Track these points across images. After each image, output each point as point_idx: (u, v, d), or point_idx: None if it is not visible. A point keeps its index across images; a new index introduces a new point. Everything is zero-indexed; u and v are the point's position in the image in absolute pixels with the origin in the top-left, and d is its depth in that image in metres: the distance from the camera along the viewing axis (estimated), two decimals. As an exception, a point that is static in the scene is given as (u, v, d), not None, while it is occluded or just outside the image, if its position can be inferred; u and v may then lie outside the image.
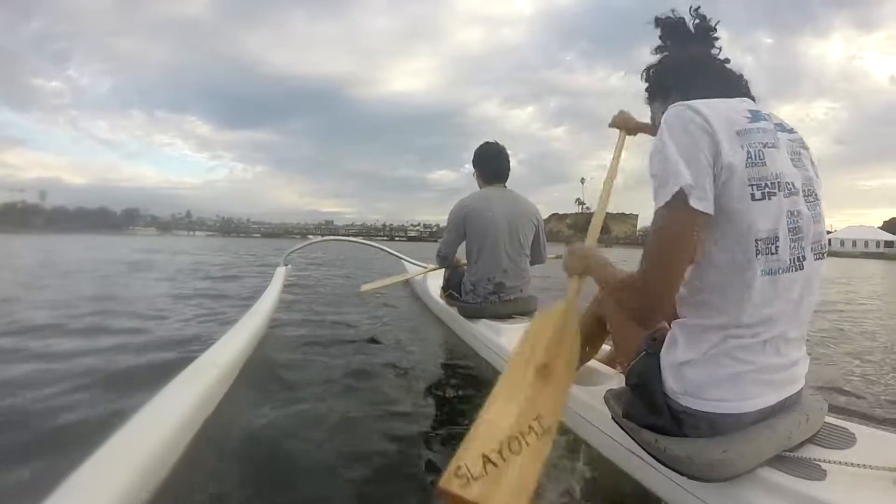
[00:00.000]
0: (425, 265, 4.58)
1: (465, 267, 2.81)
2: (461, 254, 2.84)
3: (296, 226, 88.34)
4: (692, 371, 0.95)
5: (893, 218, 68.83)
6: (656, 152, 0.87)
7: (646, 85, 1.16)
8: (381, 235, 76.70)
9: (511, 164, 2.77)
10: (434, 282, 3.84)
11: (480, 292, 2.58)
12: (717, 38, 1.10)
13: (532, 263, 2.74)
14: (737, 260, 0.87)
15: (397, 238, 72.43)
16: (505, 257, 2.55)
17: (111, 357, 2.29)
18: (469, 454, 0.92)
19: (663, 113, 0.92)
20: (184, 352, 2.34)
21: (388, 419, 1.63)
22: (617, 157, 1.85)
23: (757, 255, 0.86)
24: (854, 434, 1.07)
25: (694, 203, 0.82)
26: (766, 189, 0.85)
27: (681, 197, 0.83)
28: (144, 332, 2.88)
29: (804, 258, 0.90)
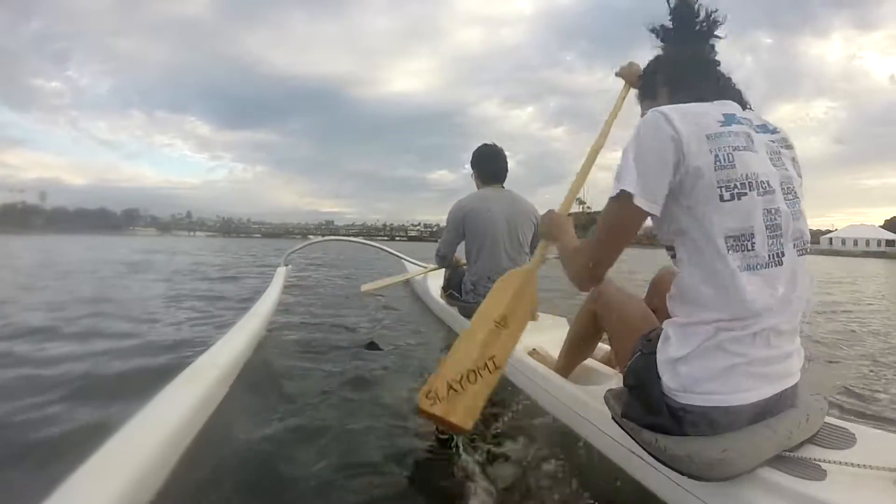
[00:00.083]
0: (426, 265, 4.58)
1: (465, 267, 2.81)
2: (461, 254, 2.85)
3: (296, 226, 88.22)
4: (686, 367, 0.96)
5: (894, 217, 68.88)
6: (623, 152, 0.96)
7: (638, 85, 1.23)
8: (381, 235, 76.69)
9: (511, 164, 2.79)
10: (434, 282, 3.84)
11: (481, 291, 2.58)
12: (714, 36, 1.12)
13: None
14: (711, 257, 0.93)
15: (398, 238, 72.41)
16: (504, 256, 2.56)
17: (102, 362, 2.26)
18: (438, 382, 1.34)
19: (642, 113, 1.01)
20: (177, 357, 2.29)
21: (387, 424, 1.63)
22: (615, 111, 1.84)
23: (729, 251, 0.91)
24: (854, 434, 1.07)
25: (637, 202, 0.93)
26: (736, 190, 0.90)
27: (625, 196, 0.94)
28: (138, 335, 2.82)
29: (783, 254, 0.94)
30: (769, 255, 0.92)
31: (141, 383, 1.82)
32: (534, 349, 2.04)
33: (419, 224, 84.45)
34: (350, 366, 2.22)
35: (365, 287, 4.01)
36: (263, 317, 2.64)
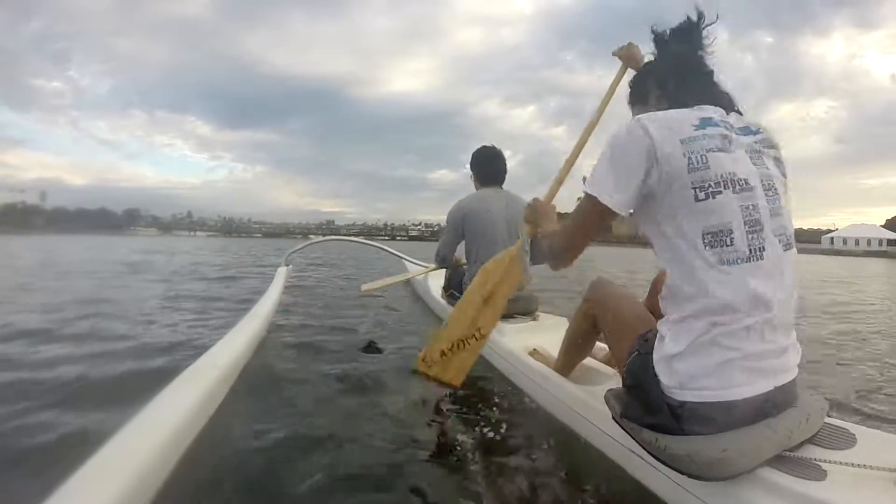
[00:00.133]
0: (426, 265, 4.58)
1: (465, 267, 2.82)
2: (461, 254, 2.85)
3: (297, 225, 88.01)
4: (682, 363, 0.98)
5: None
6: (601, 153, 1.05)
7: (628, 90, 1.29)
8: (382, 235, 76.56)
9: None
10: (435, 282, 3.84)
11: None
12: (706, 41, 1.16)
13: (533, 263, 2.75)
14: (689, 255, 0.97)
15: (399, 237, 72.32)
16: (503, 249, 2.56)
17: (96, 365, 2.22)
18: (432, 349, 1.80)
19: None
20: (171, 360, 2.30)
21: (387, 427, 1.63)
22: (611, 92, 1.86)
23: (706, 247, 0.95)
24: (854, 434, 1.07)
25: (605, 201, 1.01)
26: (710, 189, 0.94)
27: (594, 195, 1.03)
28: (133, 338, 2.77)
29: (765, 248, 0.96)
30: (750, 250, 0.95)
31: (134, 387, 1.81)
32: (534, 349, 2.04)
33: (420, 224, 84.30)
34: (350, 367, 2.21)
35: (365, 286, 4.01)
36: (264, 317, 2.64)
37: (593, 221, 1.11)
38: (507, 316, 2.51)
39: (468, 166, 2.88)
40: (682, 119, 1.01)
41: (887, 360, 2.83)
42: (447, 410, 1.80)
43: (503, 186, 2.82)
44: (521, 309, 2.58)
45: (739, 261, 0.95)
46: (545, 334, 2.13)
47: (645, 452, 1.08)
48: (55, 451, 1.39)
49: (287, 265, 4.17)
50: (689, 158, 0.96)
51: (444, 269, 3.15)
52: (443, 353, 1.80)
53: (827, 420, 1.11)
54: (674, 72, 1.15)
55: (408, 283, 5.03)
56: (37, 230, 60.04)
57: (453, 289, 3.02)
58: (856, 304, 5.96)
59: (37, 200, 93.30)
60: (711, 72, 1.16)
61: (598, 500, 1.22)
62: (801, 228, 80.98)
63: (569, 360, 1.70)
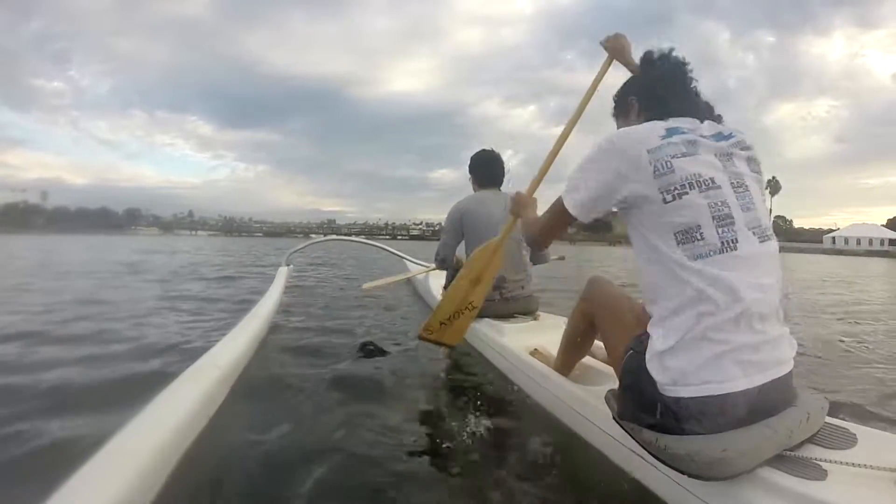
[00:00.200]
0: (427, 265, 4.58)
1: None
2: (462, 254, 2.86)
3: (298, 225, 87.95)
4: (673, 360, 1.00)
5: (897, 216, 68.67)
6: (581, 162, 1.14)
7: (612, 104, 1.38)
8: (383, 234, 76.56)
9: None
10: (436, 281, 3.85)
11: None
12: (687, 66, 1.24)
13: (534, 263, 2.77)
14: (665, 254, 1.03)
15: (400, 237, 72.29)
16: (503, 250, 2.56)
17: (89, 368, 2.19)
18: (433, 320, 2.14)
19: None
20: (166, 363, 2.27)
21: (387, 427, 1.63)
22: (595, 83, 1.88)
23: (679, 245, 1.01)
24: (855, 434, 1.07)
25: (568, 206, 1.16)
26: (676, 191, 1.01)
27: (563, 200, 1.18)
28: (128, 340, 2.75)
29: (737, 240, 1.00)
30: (722, 243, 1.00)
31: (129, 391, 1.80)
32: (535, 349, 2.04)
33: (421, 223, 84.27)
34: (351, 368, 2.22)
35: (367, 285, 4.01)
36: (265, 317, 2.64)
37: (560, 220, 1.25)
38: (508, 316, 2.52)
39: (468, 169, 2.90)
40: (650, 131, 1.08)
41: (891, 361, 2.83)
42: (447, 410, 1.81)
43: (501, 189, 2.82)
44: (521, 309, 2.59)
45: (712, 253, 0.99)
46: (546, 334, 2.13)
47: (645, 452, 1.08)
48: (48, 455, 1.37)
49: (288, 265, 4.17)
50: (655, 166, 1.03)
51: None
52: (441, 323, 2.14)
53: (827, 420, 1.11)
54: (651, 90, 1.23)
55: (409, 282, 5.04)
56: (37, 230, 60.13)
57: None
58: (858, 303, 5.94)
59: (38, 200, 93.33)
60: (690, 87, 1.23)
61: (599, 499, 1.23)
62: (802, 228, 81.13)
63: (567, 359, 1.70)
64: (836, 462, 0.93)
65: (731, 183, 1.06)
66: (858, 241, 51.75)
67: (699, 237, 1.00)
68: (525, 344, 2.13)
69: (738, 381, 0.96)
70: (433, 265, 3.78)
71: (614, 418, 1.17)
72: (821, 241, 55.48)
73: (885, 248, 48.43)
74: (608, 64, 1.82)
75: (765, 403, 1.00)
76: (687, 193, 1.02)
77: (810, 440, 1.03)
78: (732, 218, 1.02)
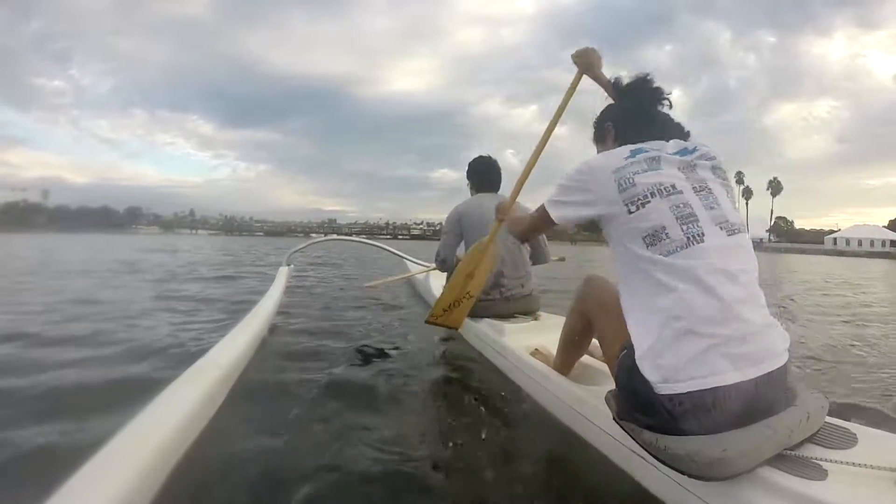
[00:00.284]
0: (428, 265, 4.58)
1: None
2: (462, 254, 2.88)
3: (299, 224, 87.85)
4: (661, 357, 1.02)
5: (898, 217, 68.56)
6: (563, 180, 1.26)
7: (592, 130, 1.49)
8: (384, 234, 76.64)
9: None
10: (437, 282, 3.85)
11: (483, 287, 2.59)
12: (662, 93, 1.36)
13: (534, 263, 2.79)
14: (637, 257, 1.11)
15: (401, 237, 72.37)
16: (501, 246, 2.59)
17: (83, 371, 2.13)
18: (437, 308, 2.44)
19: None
20: (160, 366, 2.20)
21: (387, 427, 1.62)
22: (567, 98, 1.96)
23: (648, 247, 1.09)
24: (855, 434, 1.06)
25: (550, 212, 1.28)
26: (640, 201, 1.11)
27: (546, 207, 1.29)
28: (123, 342, 2.66)
29: (703, 234, 1.08)
30: (687, 238, 1.07)
31: (122, 394, 1.78)
32: (536, 349, 2.04)
33: (422, 223, 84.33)
34: (351, 370, 2.20)
35: (367, 284, 4.02)
36: (265, 317, 2.64)
37: (543, 224, 1.37)
38: (509, 316, 2.53)
39: (466, 175, 2.97)
40: (618, 154, 1.20)
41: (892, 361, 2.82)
42: (448, 410, 1.81)
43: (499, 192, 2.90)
44: (522, 309, 2.59)
45: (679, 249, 1.07)
46: (546, 334, 2.13)
47: (646, 452, 1.08)
48: (38, 459, 1.35)
49: (289, 265, 4.17)
50: (619, 182, 1.14)
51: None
52: (445, 310, 2.42)
53: (828, 419, 1.11)
54: (626, 119, 1.36)
55: (410, 282, 5.05)
56: (38, 228, 60.14)
57: None
58: (866, 305, 5.89)
59: (39, 199, 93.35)
60: (661, 112, 1.35)
61: (600, 500, 1.23)
62: (803, 229, 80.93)
63: (566, 358, 1.71)
64: (836, 462, 0.93)
65: (694, 188, 1.15)
66: (860, 243, 51.77)
67: (665, 237, 1.08)
68: (525, 344, 2.13)
69: (729, 374, 0.98)
70: (433, 265, 3.79)
71: (614, 419, 1.17)
72: (822, 242, 55.55)
73: (887, 249, 48.43)
74: (578, 78, 1.88)
75: (762, 401, 1.00)
76: (649, 201, 1.11)
77: (810, 440, 1.03)
78: (696, 216, 1.10)
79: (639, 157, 1.18)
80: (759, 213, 70.64)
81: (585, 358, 1.80)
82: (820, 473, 0.91)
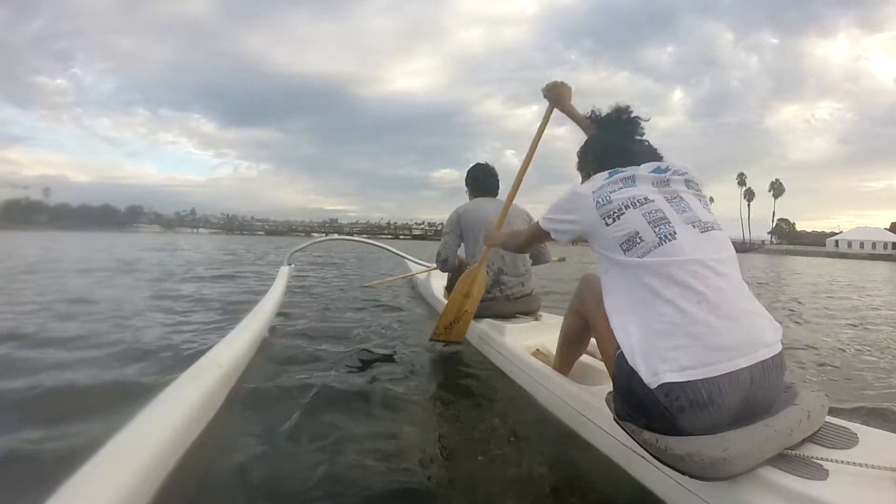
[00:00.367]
0: (429, 265, 4.58)
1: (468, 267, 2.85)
2: (463, 254, 2.89)
3: (300, 223, 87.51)
4: (647, 352, 1.05)
5: (900, 219, 68.41)
6: (557, 202, 1.39)
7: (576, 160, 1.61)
8: (385, 234, 76.44)
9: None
10: (437, 282, 3.86)
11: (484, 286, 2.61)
12: (639, 125, 1.50)
13: (535, 263, 2.80)
14: (614, 260, 1.20)
15: (402, 236, 72.19)
16: (489, 263, 2.60)
17: (75, 373, 2.07)
18: (440, 325, 2.50)
19: (582, 180, 1.49)
20: (150, 369, 2.14)
21: (388, 427, 1.63)
22: (540, 130, 2.12)
23: (625, 252, 1.17)
24: (856, 434, 1.06)
25: (546, 227, 1.41)
26: (615, 214, 1.21)
27: (542, 224, 1.43)
28: (116, 344, 2.57)
29: (675, 233, 1.15)
30: (659, 238, 1.14)
31: (115, 398, 1.74)
32: (537, 349, 2.04)
33: (423, 223, 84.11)
34: (352, 371, 2.20)
35: (367, 283, 4.02)
36: (267, 316, 2.64)
37: (539, 238, 1.51)
38: (510, 316, 2.53)
39: (465, 182, 3.02)
40: (598, 178, 1.33)
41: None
42: (449, 410, 1.81)
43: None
44: (523, 309, 2.60)
45: (653, 248, 1.14)
46: (547, 334, 2.13)
47: (647, 452, 1.08)
48: (26, 463, 1.33)
49: (290, 264, 4.15)
50: (597, 201, 1.25)
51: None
52: (446, 327, 2.49)
53: (828, 419, 1.11)
54: (604, 152, 1.46)
55: (411, 283, 5.05)
56: (39, 226, 60.08)
57: None
58: (874, 308, 5.85)
59: (40, 197, 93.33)
60: (638, 143, 1.47)
61: (600, 499, 1.23)
62: (804, 231, 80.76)
63: (565, 358, 1.72)
64: (837, 461, 0.93)
65: (666, 198, 1.23)
66: (862, 245, 51.71)
67: (639, 240, 1.16)
68: (526, 344, 2.14)
69: (721, 364, 1.00)
70: (434, 265, 3.80)
71: (615, 420, 1.17)
72: (823, 244, 55.49)
73: (889, 251, 48.37)
74: (550, 111, 2.02)
75: (760, 398, 1.02)
76: (624, 213, 1.20)
77: (811, 439, 1.04)
78: (667, 219, 1.18)
79: (615, 177, 1.29)
80: (761, 214, 70.42)
81: (587, 358, 1.80)
82: (820, 473, 0.91)
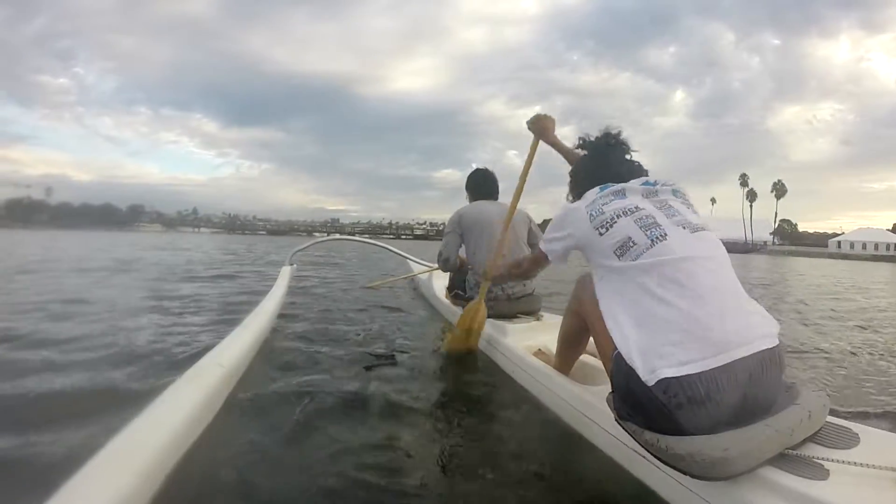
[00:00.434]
0: (431, 265, 4.59)
1: (469, 267, 2.87)
2: (464, 254, 2.91)
3: (302, 223, 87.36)
4: (644, 350, 1.07)
5: (902, 220, 68.21)
6: (552, 223, 1.46)
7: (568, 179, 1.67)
8: (387, 234, 76.39)
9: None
10: (439, 282, 3.86)
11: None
12: (627, 147, 1.55)
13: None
14: (609, 267, 1.24)
15: (403, 236, 72.18)
16: (503, 245, 2.61)
17: (47, 377, 1.98)
18: (450, 337, 2.50)
19: (573, 199, 1.53)
20: (144, 371, 2.07)
21: (389, 427, 1.62)
22: (528, 162, 2.22)
23: (619, 258, 1.21)
24: (857, 434, 1.06)
25: (544, 250, 1.48)
26: (608, 224, 1.26)
27: (541, 246, 1.50)
28: (110, 346, 2.49)
29: (666, 234, 1.19)
30: (651, 240, 1.18)
31: (88, 405, 1.70)
32: (538, 349, 2.05)
33: (425, 222, 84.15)
34: (353, 372, 2.18)
35: (369, 284, 4.02)
36: (268, 316, 2.65)
37: (540, 262, 1.61)
38: (511, 316, 2.54)
39: (475, 163, 3.05)
40: (590, 193, 1.38)
41: None
42: (451, 410, 1.81)
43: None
44: (524, 309, 2.60)
45: (645, 250, 1.18)
46: (549, 334, 2.13)
47: (648, 452, 1.08)
48: (22, 469, 1.29)
49: (291, 264, 4.15)
50: (590, 213, 1.31)
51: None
52: (458, 337, 2.43)
53: (829, 419, 1.11)
54: (594, 175, 1.49)
55: (413, 283, 5.05)
56: (41, 225, 60.05)
57: (457, 289, 3.10)
58: (882, 310, 5.80)
59: (42, 196, 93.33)
60: (626, 163, 1.51)
61: (602, 499, 1.23)
62: (806, 232, 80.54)
63: (564, 358, 1.73)
64: (838, 461, 0.93)
65: (656, 206, 1.28)
66: (864, 246, 51.63)
67: (632, 244, 1.20)
68: (528, 344, 2.14)
69: (718, 356, 1.01)
70: (436, 265, 3.81)
71: (616, 420, 1.17)
72: (825, 245, 55.41)
73: (891, 252, 48.25)
74: (536, 143, 2.12)
75: (760, 396, 1.03)
76: (616, 222, 1.25)
77: (812, 439, 1.04)
78: (658, 223, 1.22)
79: (606, 191, 1.36)
80: (763, 215, 70.26)
81: (588, 358, 1.80)
82: (821, 473, 0.91)
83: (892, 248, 49.94)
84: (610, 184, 1.39)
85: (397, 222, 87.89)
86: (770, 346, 1.08)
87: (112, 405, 1.64)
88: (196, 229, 75.57)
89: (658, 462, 1.06)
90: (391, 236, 69.31)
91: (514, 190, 2.32)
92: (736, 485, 0.95)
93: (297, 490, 1.22)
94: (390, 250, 5.54)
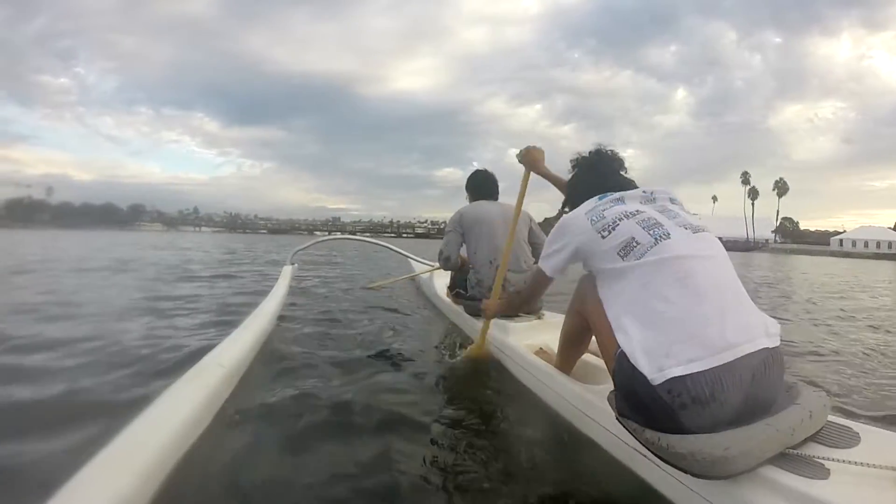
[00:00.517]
0: (432, 264, 4.58)
1: (470, 267, 2.88)
2: (465, 254, 2.91)
3: (303, 222, 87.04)
4: (649, 348, 1.07)
5: (904, 218, 68.11)
6: (549, 237, 1.50)
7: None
8: (388, 232, 76.22)
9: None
10: (441, 281, 3.86)
11: (486, 283, 2.66)
12: (620, 162, 1.62)
13: (537, 261, 2.80)
14: (612, 269, 1.26)
15: (405, 235, 72.05)
16: (501, 239, 2.62)
17: (38, 380, 1.95)
18: (470, 350, 2.34)
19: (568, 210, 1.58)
20: (141, 372, 2.05)
21: (391, 425, 1.62)
22: (522, 192, 2.31)
23: (623, 258, 1.23)
24: (858, 433, 1.06)
25: (543, 267, 1.52)
26: (610, 227, 1.29)
27: (542, 267, 1.52)
28: (106, 347, 2.46)
29: (669, 234, 1.22)
30: (655, 238, 1.21)
31: (77, 410, 1.67)
32: (540, 348, 2.04)
33: (426, 221, 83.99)
34: (354, 371, 2.18)
35: (370, 285, 4.01)
36: (269, 316, 2.65)
37: (542, 283, 1.63)
38: (513, 315, 2.53)
39: (476, 163, 3.06)
40: (590, 201, 1.43)
41: None
42: (452, 409, 1.81)
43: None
44: (525, 308, 2.60)
45: (649, 248, 1.20)
46: (550, 333, 2.13)
47: (649, 451, 1.08)
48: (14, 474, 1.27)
49: (292, 264, 4.15)
50: (591, 218, 1.35)
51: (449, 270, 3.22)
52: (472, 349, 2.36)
53: (831, 418, 1.11)
54: (590, 185, 1.54)
55: (414, 282, 5.05)
56: (42, 225, 60.03)
57: (458, 288, 3.12)
58: (891, 309, 5.80)
59: (43, 195, 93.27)
60: (620, 179, 1.56)
61: (603, 498, 1.23)
62: (808, 230, 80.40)
63: (566, 357, 1.73)
64: (838, 461, 0.93)
65: (655, 209, 1.32)
66: (866, 244, 51.52)
67: (636, 244, 1.22)
68: (529, 342, 2.14)
69: (724, 353, 1.02)
70: (436, 265, 3.81)
71: (617, 418, 1.17)
72: (827, 244, 55.35)
73: (894, 250, 48.15)
74: (527, 175, 2.21)
75: (762, 395, 1.03)
76: (619, 225, 1.28)
77: (813, 438, 1.04)
78: (660, 223, 1.25)
79: (605, 199, 1.40)
80: (765, 213, 70.09)
81: (589, 357, 1.80)
82: (822, 472, 0.91)
83: (894, 246, 49.81)
84: (609, 193, 1.43)
85: (398, 221, 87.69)
86: (772, 346, 1.08)
87: (110, 408, 1.64)
88: (197, 228, 75.57)
89: (659, 461, 1.06)
90: (392, 235, 69.23)
91: (513, 190, 2.37)
92: (736, 484, 0.95)
93: (297, 491, 1.22)
94: (392, 249, 5.54)
